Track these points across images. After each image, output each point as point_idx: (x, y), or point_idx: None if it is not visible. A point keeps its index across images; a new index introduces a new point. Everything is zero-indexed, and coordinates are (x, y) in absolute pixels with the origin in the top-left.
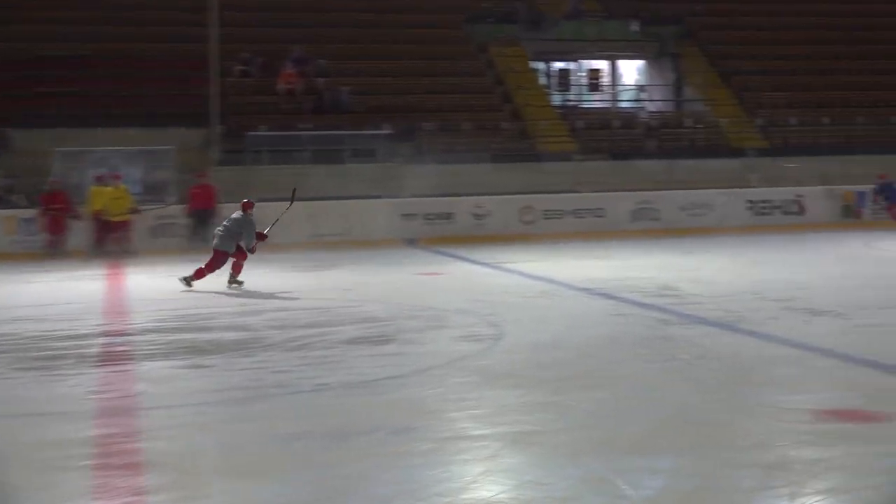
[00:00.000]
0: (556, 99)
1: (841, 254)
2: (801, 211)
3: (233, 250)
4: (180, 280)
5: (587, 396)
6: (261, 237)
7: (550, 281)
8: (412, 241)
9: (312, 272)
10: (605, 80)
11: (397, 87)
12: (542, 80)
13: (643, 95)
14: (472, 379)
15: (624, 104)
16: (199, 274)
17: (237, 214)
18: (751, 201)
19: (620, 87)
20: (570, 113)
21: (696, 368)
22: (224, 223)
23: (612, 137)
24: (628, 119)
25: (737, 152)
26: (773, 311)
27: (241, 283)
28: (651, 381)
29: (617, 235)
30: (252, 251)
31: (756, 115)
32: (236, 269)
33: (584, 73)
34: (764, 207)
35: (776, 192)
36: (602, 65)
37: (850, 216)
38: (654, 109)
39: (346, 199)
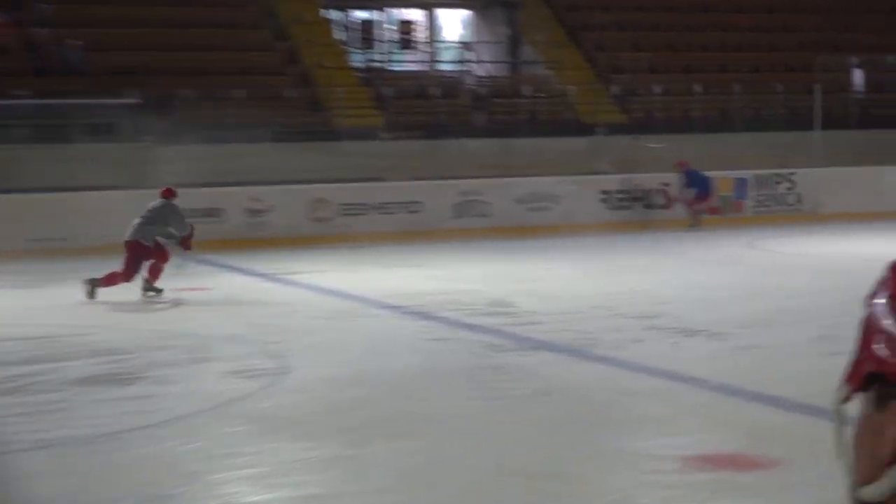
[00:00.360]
0: (357, 59)
1: (718, 257)
2: (669, 203)
3: (152, 244)
4: (83, 284)
5: (395, 448)
6: (186, 243)
7: (350, 297)
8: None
9: (28, 289)
10: (421, 35)
11: (146, 42)
12: (339, 35)
13: (469, 56)
14: (246, 428)
15: (444, 67)
16: (111, 280)
17: (157, 203)
18: (605, 192)
19: (440, 45)
20: (375, 77)
21: (537, 407)
22: (140, 215)
23: (430, 110)
24: (450, 86)
25: (588, 129)
26: (635, 331)
27: (159, 291)
28: (479, 426)
29: (436, 236)
30: (185, 246)
31: (612, 82)
32: (154, 274)
33: (393, 27)
34: (622, 199)
35: (637, 180)
36: (416, 15)
37: (728, 210)
38: (484, 74)
39: (74, 191)
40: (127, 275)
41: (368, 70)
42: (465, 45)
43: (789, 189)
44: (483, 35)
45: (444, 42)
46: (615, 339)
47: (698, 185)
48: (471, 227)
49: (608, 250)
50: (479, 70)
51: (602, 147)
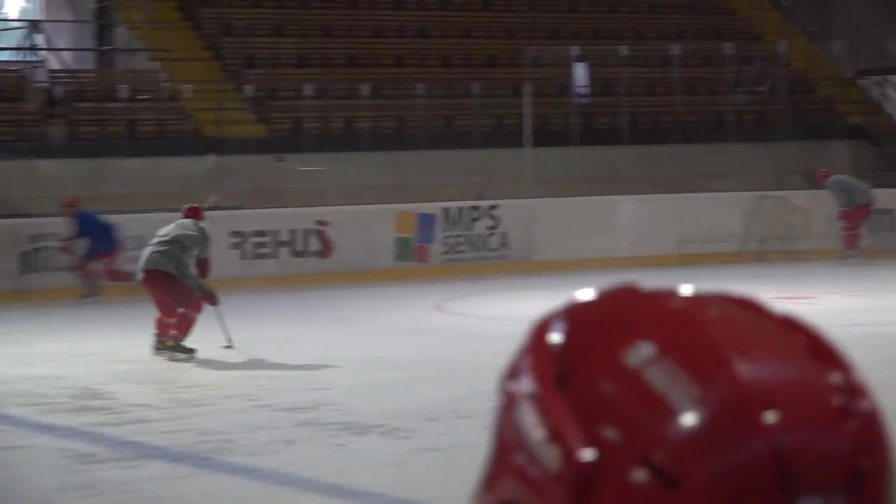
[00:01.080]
0: None
1: (395, 324)
2: (327, 249)
3: (176, 272)
4: (161, 349)
5: None
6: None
7: None
8: None
9: None
10: None
11: None
12: None
13: (39, 41)
14: None
15: (1, 56)
16: (186, 325)
17: (186, 225)
18: (239, 233)
19: None
20: None
21: None
22: (159, 236)
23: None
24: (11, 84)
25: (212, 146)
26: (284, 428)
27: (192, 351)
28: None
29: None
30: (211, 299)
31: (244, 80)
32: (183, 327)
33: None
34: (260, 243)
35: (279, 218)
36: None
37: (408, 258)
38: (60, 66)
39: None
40: (190, 319)
41: None
42: (31, 25)
43: (491, 228)
44: (58, 11)
45: (3, 21)
46: (256, 440)
47: (93, 236)
48: (44, 285)
49: (245, 314)
50: (54, 61)
51: (231, 171)
